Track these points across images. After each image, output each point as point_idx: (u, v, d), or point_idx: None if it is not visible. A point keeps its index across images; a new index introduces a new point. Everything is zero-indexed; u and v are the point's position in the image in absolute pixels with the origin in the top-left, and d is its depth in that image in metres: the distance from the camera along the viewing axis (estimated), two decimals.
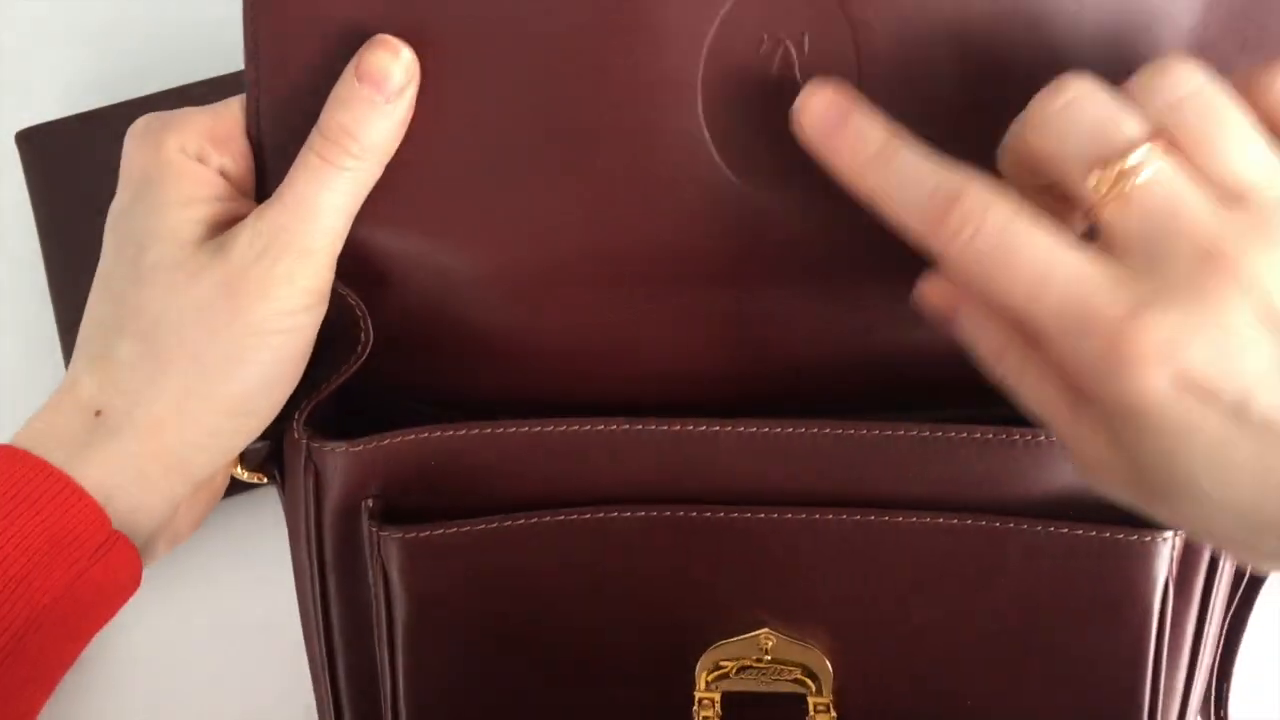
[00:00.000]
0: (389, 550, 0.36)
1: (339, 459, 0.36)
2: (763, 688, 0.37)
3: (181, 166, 0.33)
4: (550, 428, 0.35)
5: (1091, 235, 0.28)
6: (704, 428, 0.35)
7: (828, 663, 0.36)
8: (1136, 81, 0.27)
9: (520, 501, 0.36)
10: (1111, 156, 0.26)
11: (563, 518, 0.36)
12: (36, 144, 0.57)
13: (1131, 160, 0.26)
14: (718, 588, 0.36)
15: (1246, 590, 0.40)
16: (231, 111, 0.35)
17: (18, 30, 0.63)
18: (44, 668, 0.33)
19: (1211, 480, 0.27)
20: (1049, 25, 0.31)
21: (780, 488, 0.35)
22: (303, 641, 0.49)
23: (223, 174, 0.34)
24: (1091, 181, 0.26)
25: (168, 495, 0.34)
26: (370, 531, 0.36)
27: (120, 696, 0.50)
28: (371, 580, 0.37)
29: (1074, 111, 0.27)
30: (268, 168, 0.35)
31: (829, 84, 0.30)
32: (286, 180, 0.33)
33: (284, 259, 0.32)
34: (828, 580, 0.36)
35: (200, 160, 0.34)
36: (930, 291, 0.31)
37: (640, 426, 0.35)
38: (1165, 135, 0.27)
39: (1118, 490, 0.30)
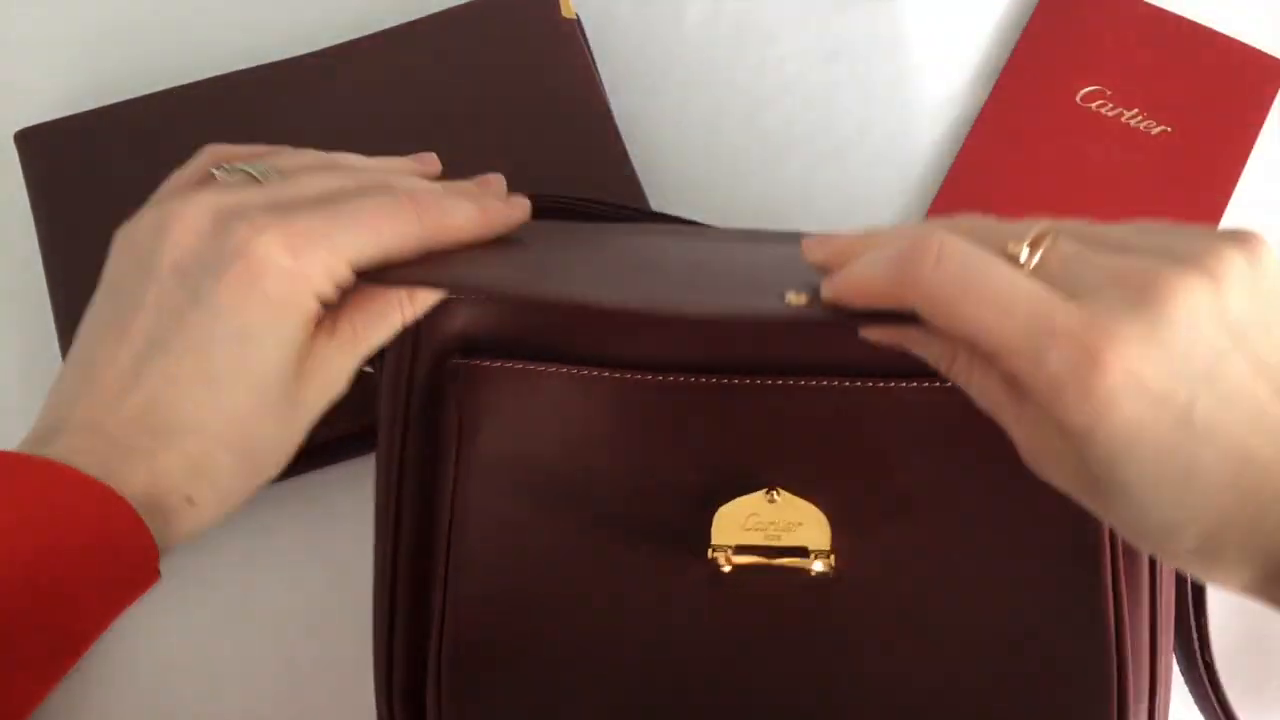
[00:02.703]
0: (472, 377, 0.42)
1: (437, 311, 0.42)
2: (769, 541, 0.41)
3: (310, 316, 0.36)
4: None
5: None
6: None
7: (825, 520, 0.41)
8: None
9: (585, 359, 0.42)
10: (1022, 234, 0.31)
11: (618, 375, 0.42)
12: (35, 143, 0.57)
13: (1036, 231, 0.31)
14: (735, 449, 0.42)
15: None
16: (383, 294, 0.38)
17: (18, 30, 0.63)
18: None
19: (1146, 483, 0.30)
20: None
21: (792, 359, 0.42)
22: (307, 636, 0.50)
23: (333, 317, 0.37)
24: (1015, 250, 0.31)
25: (244, 496, 0.37)
26: (456, 365, 0.42)
27: (123, 695, 0.50)
28: (449, 415, 0.43)
29: (975, 225, 0.32)
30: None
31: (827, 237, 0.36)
32: None
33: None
34: (822, 444, 0.42)
35: (325, 304, 0.36)
36: (873, 333, 0.37)
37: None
38: (1050, 237, 0.32)
39: (1058, 480, 0.32)
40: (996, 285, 0.30)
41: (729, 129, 0.61)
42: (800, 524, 0.41)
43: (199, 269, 0.35)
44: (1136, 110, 0.59)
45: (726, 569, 0.40)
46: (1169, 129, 0.59)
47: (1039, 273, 0.30)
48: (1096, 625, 0.40)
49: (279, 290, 0.34)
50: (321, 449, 0.52)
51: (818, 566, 0.40)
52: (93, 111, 0.57)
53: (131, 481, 0.33)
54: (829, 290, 0.33)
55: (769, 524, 0.41)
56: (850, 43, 0.62)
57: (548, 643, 0.41)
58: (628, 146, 0.57)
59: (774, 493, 0.41)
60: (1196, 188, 0.58)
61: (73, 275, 0.54)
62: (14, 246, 0.58)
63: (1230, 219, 0.58)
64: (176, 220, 0.35)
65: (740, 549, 0.40)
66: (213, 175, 0.37)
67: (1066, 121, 0.59)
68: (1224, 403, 0.29)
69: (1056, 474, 0.32)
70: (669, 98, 0.61)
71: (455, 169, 0.56)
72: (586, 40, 0.60)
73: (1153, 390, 0.29)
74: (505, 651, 0.40)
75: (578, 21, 0.59)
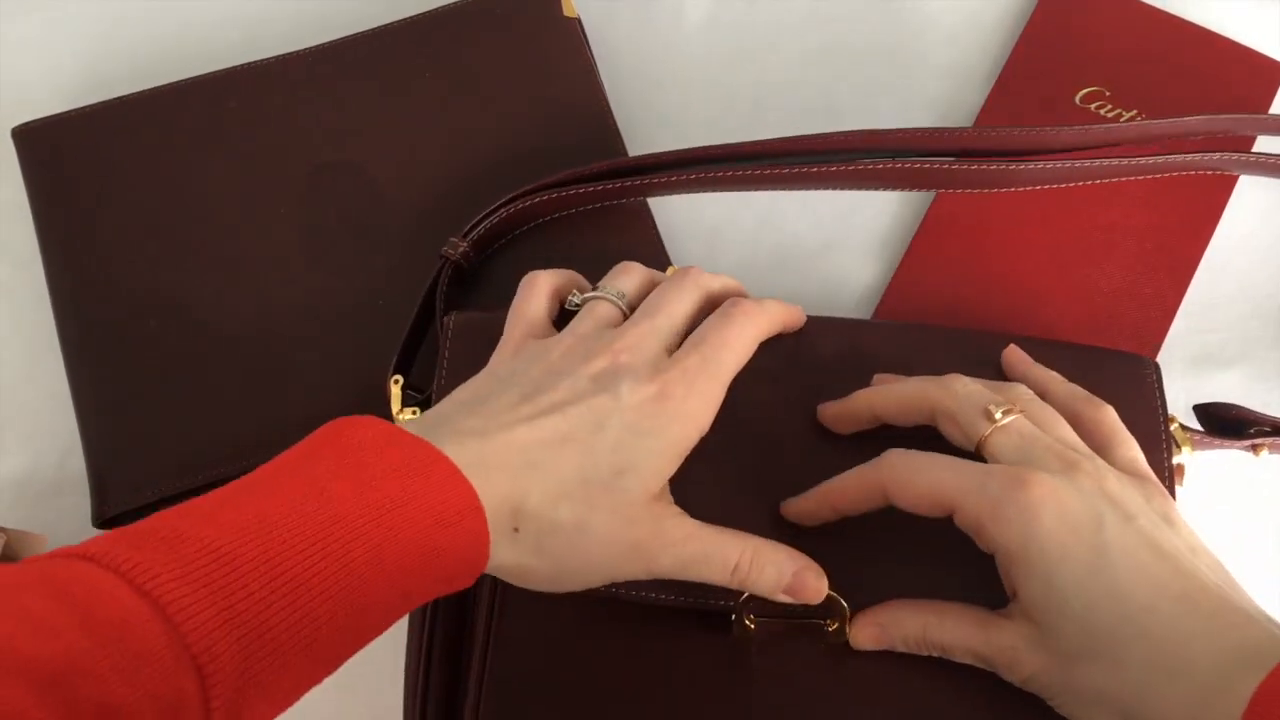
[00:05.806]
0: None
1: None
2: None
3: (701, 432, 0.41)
4: None
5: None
6: None
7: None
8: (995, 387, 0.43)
9: None
10: (998, 404, 0.41)
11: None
12: (33, 139, 0.57)
13: (1004, 408, 0.40)
14: None
15: None
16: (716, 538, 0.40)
17: (18, 29, 0.63)
18: None
19: (1079, 601, 0.36)
20: None
21: None
22: None
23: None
24: (991, 415, 0.40)
25: (544, 563, 0.39)
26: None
27: None
28: None
29: (970, 391, 0.42)
30: None
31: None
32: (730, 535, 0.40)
33: (675, 569, 0.39)
34: None
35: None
36: (861, 639, 0.41)
37: None
38: (1020, 409, 0.41)
39: (1038, 674, 0.38)
40: (947, 466, 0.39)
41: (729, 129, 0.61)
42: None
43: (620, 376, 0.39)
44: (1136, 111, 0.59)
45: (751, 626, 0.41)
46: None
47: (994, 439, 0.40)
48: None
49: (680, 409, 0.39)
50: None
51: (836, 625, 0.40)
52: (91, 107, 0.57)
53: (489, 492, 0.36)
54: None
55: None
56: (850, 43, 0.62)
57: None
58: (628, 146, 0.57)
59: None
60: (1194, 190, 0.58)
61: (72, 271, 0.54)
62: (13, 245, 0.58)
63: (1227, 221, 0.58)
64: (609, 345, 0.41)
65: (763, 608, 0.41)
66: (565, 307, 0.42)
67: (1066, 121, 0.59)
68: (1134, 536, 0.37)
69: (1033, 670, 0.38)
70: (669, 98, 0.61)
71: (455, 167, 0.56)
72: (586, 40, 0.60)
73: (1069, 510, 0.37)
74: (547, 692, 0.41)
75: (578, 21, 0.59)
